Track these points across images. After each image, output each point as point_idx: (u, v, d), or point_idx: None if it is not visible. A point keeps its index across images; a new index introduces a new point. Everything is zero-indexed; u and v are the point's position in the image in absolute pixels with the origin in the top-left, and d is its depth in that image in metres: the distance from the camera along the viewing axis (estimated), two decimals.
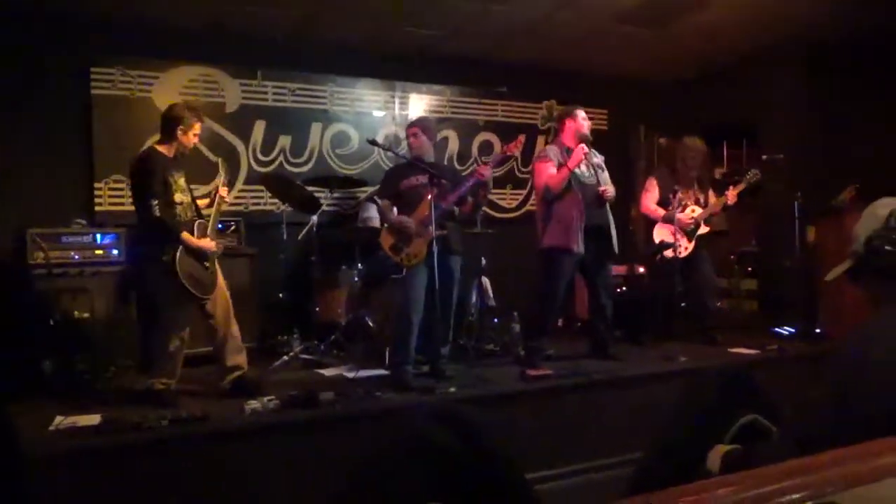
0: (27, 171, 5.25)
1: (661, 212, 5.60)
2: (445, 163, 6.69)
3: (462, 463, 1.47)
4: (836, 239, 5.44)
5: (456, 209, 4.60)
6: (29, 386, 4.19)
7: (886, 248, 1.70)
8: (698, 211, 5.58)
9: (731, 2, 5.64)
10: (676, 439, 1.87)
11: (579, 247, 4.74)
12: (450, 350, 4.71)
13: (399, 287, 4.62)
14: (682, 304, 5.90)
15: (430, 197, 4.33)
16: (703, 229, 5.54)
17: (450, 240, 4.51)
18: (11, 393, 4.00)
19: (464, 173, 5.56)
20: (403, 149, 6.52)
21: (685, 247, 5.55)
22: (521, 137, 4.68)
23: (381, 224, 4.86)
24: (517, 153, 4.75)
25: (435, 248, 4.25)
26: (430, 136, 4.74)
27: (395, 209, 4.63)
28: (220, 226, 4.25)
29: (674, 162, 5.82)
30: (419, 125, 4.75)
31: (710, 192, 5.69)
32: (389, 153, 6.18)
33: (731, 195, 5.42)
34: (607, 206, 4.98)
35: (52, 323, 4.43)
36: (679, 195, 5.58)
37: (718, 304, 6.13)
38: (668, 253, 5.52)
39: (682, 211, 5.57)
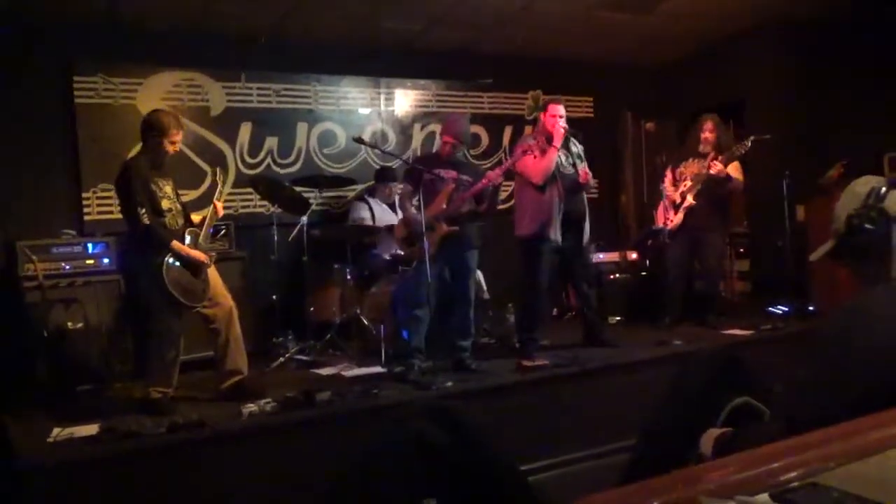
0: (14, 184, 5.22)
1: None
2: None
3: (454, 459, 1.48)
4: (826, 217, 5.42)
5: (475, 206, 4.63)
6: (24, 398, 4.19)
7: (866, 226, 1.71)
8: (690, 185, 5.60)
9: None
10: (668, 424, 1.88)
11: (556, 234, 4.74)
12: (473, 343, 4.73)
13: (405, 281, 4.64)
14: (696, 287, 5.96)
15: (444, 192, 4.45)
16: (689, 202, 5.54)
17: (466, 234, 4.53)
18: (7, 406, 4.01)
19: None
20: (391, 145, 6.56)
21: (671, 219, 5.60)
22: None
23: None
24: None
25: (426, 245, 4.27)
26: (464, 140, 4.76)
27: (414, 199, 4.60)
28: (210, 229, 4.21)
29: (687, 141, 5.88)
30: (453, 135, 4.68)
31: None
32: (377, 150, 6.19)
33: (714, 166, 5.41)
34: (583, 194, 5.00)
35: (45, 335, 4.42)
36: (679, 170, 5.66)
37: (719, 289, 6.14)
38: (661, 221, 5.66)
39: (679, 186, 5.62)
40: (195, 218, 4.21)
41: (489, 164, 7.19)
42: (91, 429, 3.48)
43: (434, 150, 5.04)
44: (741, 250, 7.01)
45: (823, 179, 5.84)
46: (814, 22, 6.39)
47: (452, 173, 4.52)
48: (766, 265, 6.58)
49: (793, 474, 1.11)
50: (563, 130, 4.79)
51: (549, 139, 4.80)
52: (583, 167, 4.96)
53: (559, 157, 4.83)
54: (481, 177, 4.58)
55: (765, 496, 0.98)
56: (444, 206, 4.45)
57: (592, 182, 5.00)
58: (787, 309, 5.75)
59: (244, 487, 3.34)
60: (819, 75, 6.52)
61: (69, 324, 4.60)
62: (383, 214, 5.82)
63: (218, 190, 4.36)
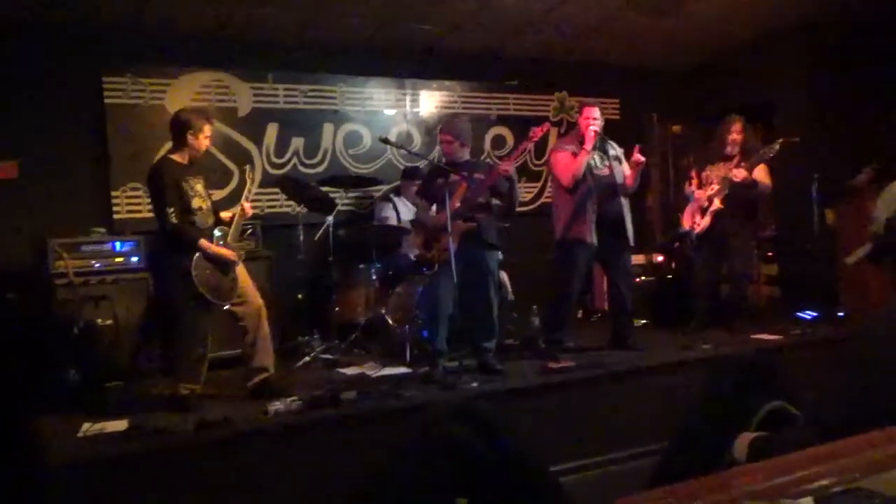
0: (45, 182, 5.30)
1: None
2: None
3: (484, 460, 1.47)
4: (856, 221, 5.39)
5: (493, 201, 4.62)
6: (55, 394, 4.24)
7: None
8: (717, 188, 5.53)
9: None
10: (699, 428, 1.86)
11: (592, 238, 4.75)
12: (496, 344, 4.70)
13: (428, 284, 4.66)
14: (723, 291, 5.90)
15: (457, 192, 4.41)
16: (716, 205, 5.47)
17: (482, 234, 4.51)
18: (37, 401, 4.07)
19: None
20: (416, 146, 6.57)
21: (698, 223, 5.53)
22: (547, 124, 4.68)
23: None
24: (539, 137, 4.68)
25: (452, 245, 4.25)
26: (463, 139, 4.67)
27: (433, 208, 4.63)
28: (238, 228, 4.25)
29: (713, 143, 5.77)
30: (451, 133, 4.68)
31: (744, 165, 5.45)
32: (402, 151, 6.20)
33: (737, 173, 5.34)
34: (621, 197, 4.97)
35: (75, 331, 4.47)
36: (705, 173, 5.59)
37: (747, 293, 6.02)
38: (688, 224, 5.56)
39: (706, 189, 5.55)
40: (224, 216, 4.24)
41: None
42: (120, 424, 3.53)
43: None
44: (769, 254, 6.93)
45: (853, 183, 5.75)
46: (842, 24, 6.32)
47: (462, 174, 4.50)
48: (795, 270, 6.50)
49: (829, 481, 1.09)
50: (593, 133, 4.78)
51: (582, 142, 4.80)
52: (622, 169, 4.95)
53: (593, 158, 4.83)
54: (494, 171, 4.57)
55: (808, 500, 0.97)
56: (458, 204, 4.43)
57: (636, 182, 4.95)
58: (815, 314, 5.67)
59: (270, 485, 3.36)
60: (848, 78, 6.44)
61: (99, 321, 4.66)
62: (408, 214, 5.83)
63: (247, 188, 4.38)
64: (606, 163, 4.94)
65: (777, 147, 5.23)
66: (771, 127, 6.92)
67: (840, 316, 5.52)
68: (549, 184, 5.10)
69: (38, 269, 4.84)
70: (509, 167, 4.47)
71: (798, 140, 5.39)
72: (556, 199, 5.01)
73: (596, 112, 4.86)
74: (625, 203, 5.00)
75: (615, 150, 5.06)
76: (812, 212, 5.78)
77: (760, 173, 5.42)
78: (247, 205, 4.25)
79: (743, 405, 1.80)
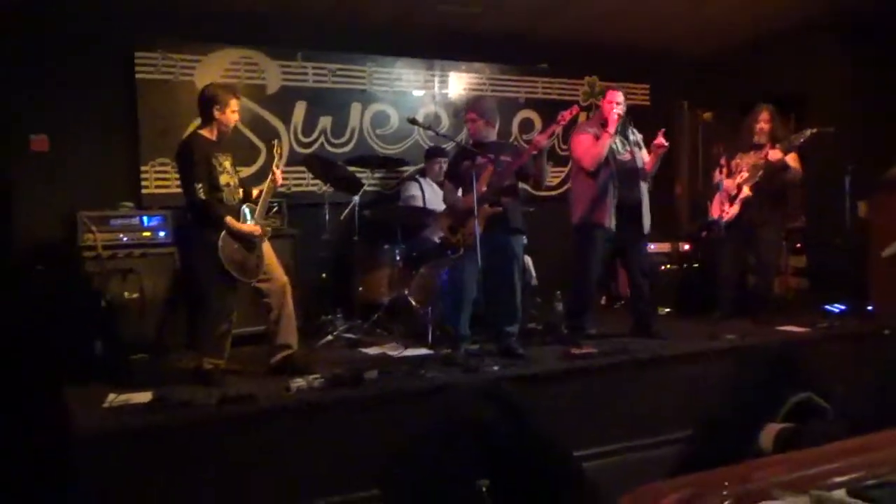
0: (75, 156, 5.35)
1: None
2: None
3: (509, 442, 1.47)
4: (890, 214, 5.30)
5: (519, 184, 4.59)
6: (81, 365, 4.30)
7: None
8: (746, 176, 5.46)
9: None
10: (725, 418, 1.85)
11: (611, 222, 4.72)
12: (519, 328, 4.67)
13: (453, 267, 4.65)
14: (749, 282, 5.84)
15: (484, 175, 4.37)
16: (746, 193, 5.39)
17: (508, 218, 4.47)
18: (65, 373, 4.13)
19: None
20: (444, 127, 6.54)
21: (726, 211, 5.46)
22: (576, 107, 4.57)
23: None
24: (567, 120, 4.55)
25: (477, 229, 4.23)
26: (488, 118, 4.62)
27: (459, 191, 4.62)
28: (267, 203, 4.26)
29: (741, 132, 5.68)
30: (476, 111, 4.64)
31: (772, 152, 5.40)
32: (430, 132, 6.18)
33: (773, 153, 5.27)
34: (641, 184, 4.93)
35: (102, 304, 4.53)
36: (735, 161, 5.52)
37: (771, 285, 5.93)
38: (716, 213, 5.51)
39: (735, 177, 5.47)
40: (253, 192, 4.25)
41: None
42: (145, 396, 3.57)
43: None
44: (797, 245, 6.83)
45: (889, 175, 5.64)
46: (880, 11, 6.15)
47: (489, 157, 4.46)
48: (824, 261, 6.40)
49: (858, 474, 1.08)
50: (616, 116, 4.73)
51: (605, 125, 4.76)
52: (642, 155, 4.91)
53: (615, 143, 4.79)
54: (521, 153, 4.51)
55: (841, 492, 0.95)
56: (484, 188, 4.40)
57: (656, 168, 4.90)
58: (844, 307, 5.59)
59: (291, 460, 3.39)
60: (884, 69, 6.28)
61: (125, 294, 4.72)
62: (434, 195, 5.81)
63: (276, 160, 4.37)
64: (628, 148, 4.91)
65: (807, 134, 5.14)
66: (804, 118, 6.79)
67: (869, 310, 5.44)
68: (573, 165, 5.02)
69: (67, 242, 4.90)
70: (543, 139, 4.37)
71: (832, 130, 5.29)
72: (576, 183, 4.95)
73: (620, 96, 4.82)
74: (644, 190, 4.95)
75: (635, 135, 5.03)
76: (844, 203, 5.68)
77: (791, 160, 5.35)
78: (278, 171, 4.25)
79: (770, 396, 1.78)
